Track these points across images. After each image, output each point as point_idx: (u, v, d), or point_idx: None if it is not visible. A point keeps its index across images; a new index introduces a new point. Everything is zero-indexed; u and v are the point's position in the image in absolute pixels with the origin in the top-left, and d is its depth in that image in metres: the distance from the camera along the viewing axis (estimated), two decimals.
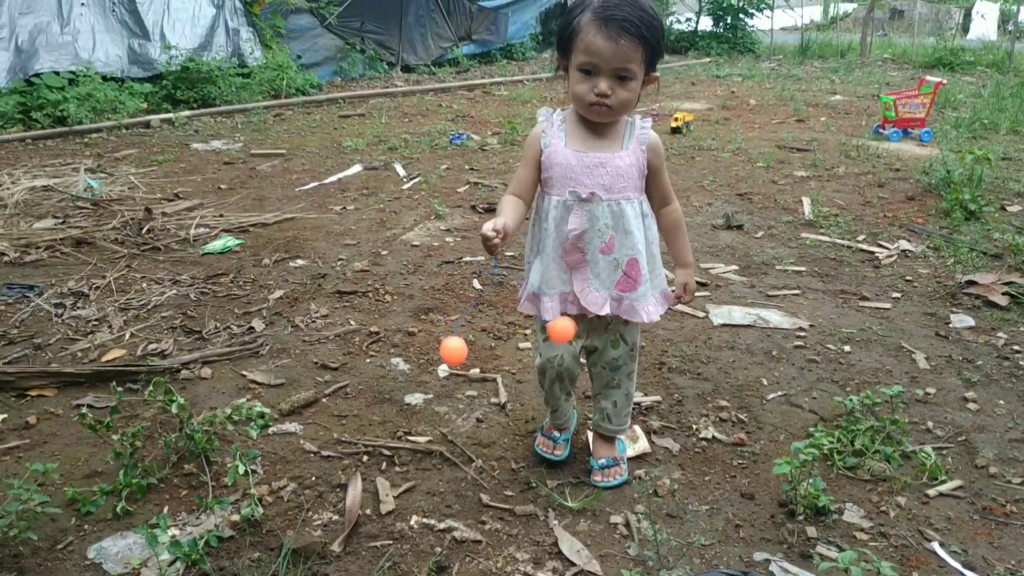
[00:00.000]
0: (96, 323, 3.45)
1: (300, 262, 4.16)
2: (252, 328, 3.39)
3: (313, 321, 3.46)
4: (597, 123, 2.03)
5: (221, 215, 4.91)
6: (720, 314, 3.56)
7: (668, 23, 16.37)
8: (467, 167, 6.21)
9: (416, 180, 5.81)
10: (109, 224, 4.65)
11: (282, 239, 4.49)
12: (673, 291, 2.24)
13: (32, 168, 5.97)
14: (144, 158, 6.44)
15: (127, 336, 3.33)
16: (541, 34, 14.82)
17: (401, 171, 6.03)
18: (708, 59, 14.08)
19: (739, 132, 7.40)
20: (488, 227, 1.86)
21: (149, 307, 3.60)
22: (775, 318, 3.53)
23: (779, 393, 2.90)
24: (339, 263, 4.13)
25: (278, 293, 3.75)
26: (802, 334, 3.37)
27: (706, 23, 16.04)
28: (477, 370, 3.05)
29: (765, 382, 2.98)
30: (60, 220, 4.78)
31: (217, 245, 4.37)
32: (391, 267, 4.09)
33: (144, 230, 4.56)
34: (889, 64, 13.17)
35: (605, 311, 2.10)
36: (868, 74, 11.75)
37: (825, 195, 5.45)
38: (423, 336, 3.34)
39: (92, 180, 5.54)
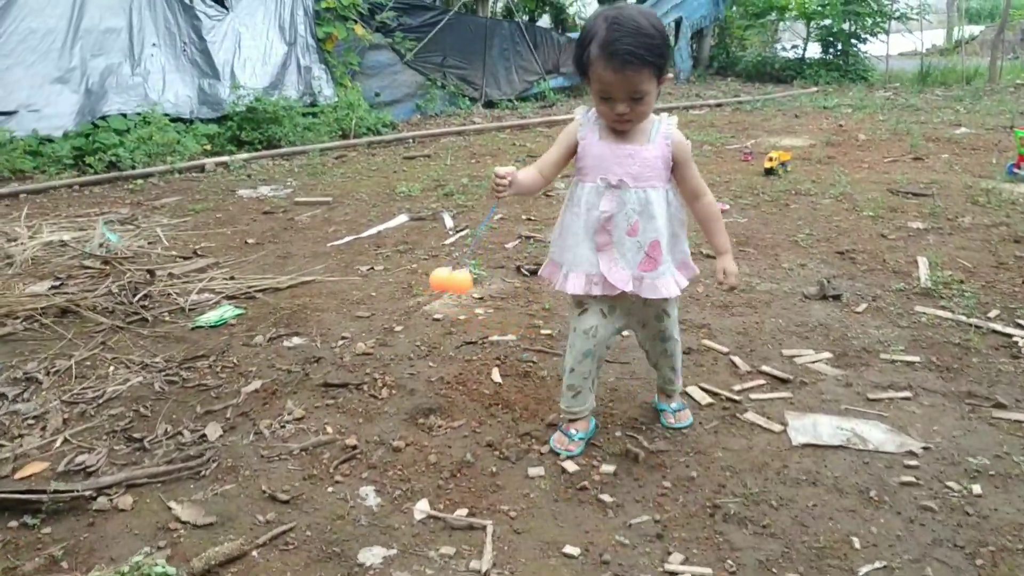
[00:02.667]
0: (33, 421, 2.88)
1: (297, 341, 3.52)
2: (205, 436, 2.74)
3: (282, 426, 2.80)
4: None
5: (232, 278, 4.34)
6: (802, 428, 2.72)
7: (774, 51, 15.37)
8: (524, 216, 5.50)
9: (462, 233, 5.13)
10: (105, 289, 4.13)
11: (288, 309, 3.87)
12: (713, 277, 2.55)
13: (62, 218, 5.59)
14: (183, 206, 5.99)
15: (59, 442, 2.74)
16: None
17: (448, 222, 5.37)
18: (816, 88, 13.02)
19: (844, 173, 6.44)
20: (502, 170, 2.29)
21: (101, 401, 3.01)
22: (877, 435, 2.67)
23: (877, 566, 2.05)
24: (341, 343, 3.47)
25: (255, 384, 3.11)
26: (913, 463, 2.51)
27: (814, 50, 14.95)
28: (464, 511, 2.31)
29: (857, 543, 2.14)
30: (59, 283, 4.29)
31: (212, 317, 3.78)
32: (400, 349, 3.40)
33: (139, 297, 4.01)
34: (1022, 91, 11.82)
35: (628, 287, 2.32)
36: (999, 103, 10.50)
37: (946, 253, 4.50)
38: (411, 453, 2.63)
39: (111, 234, 5.08)
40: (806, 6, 14.37)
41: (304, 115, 9.00)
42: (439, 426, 2.79)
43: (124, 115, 7.99)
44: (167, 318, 3.82)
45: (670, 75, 2.33)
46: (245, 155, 7.71)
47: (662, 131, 2.30)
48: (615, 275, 2.30)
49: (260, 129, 8.38)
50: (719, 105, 11.28)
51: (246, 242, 5.06)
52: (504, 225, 5.33)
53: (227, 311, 3.84)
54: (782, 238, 4.90)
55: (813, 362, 3.23)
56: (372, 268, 4.49)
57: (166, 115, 8.27)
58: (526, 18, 15.52)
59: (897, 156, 7.29)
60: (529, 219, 5.46)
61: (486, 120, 10.32)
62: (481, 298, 4.00)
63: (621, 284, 2.30)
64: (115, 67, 8.42)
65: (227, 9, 9.17)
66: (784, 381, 3.06)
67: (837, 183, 6.15)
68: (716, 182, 6.40)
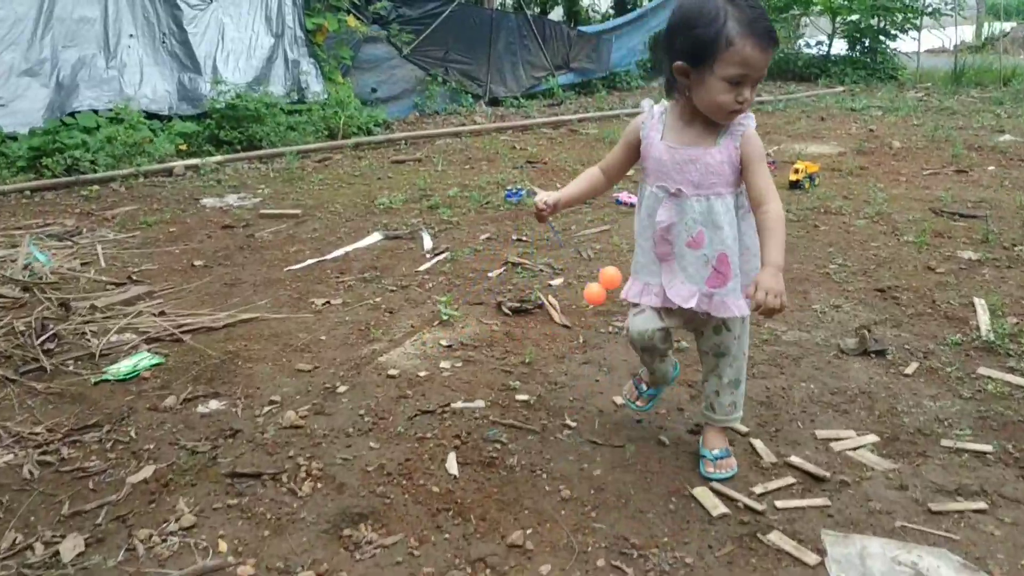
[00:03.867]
0: None
1: (214, 405, 2.86)
2: (58, 554, 2.08)
3: (164, 539, 2.14)
4: (697, 117, 2.07)
5: (162, 312, 3.67)
6: (846, 560, 2.03)
7: (797, 47, 14.57)
8: (514, 236, 4.81)
9: (441, 256, 4.45)
10: (6, 326, 3.48)
11: (216, 358, 3.21)
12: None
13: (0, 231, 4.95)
14: (136, 218, 5.35)
15: None
16: (650, 60, 13.31)
17: (427, 242, 4.70)
18: (842, 88, 12.24)
19: (879, 188, 5.71)
20: (540, 198, 2.30)
21: None
22: (947, 574, 1.96)
23: None
24: (267, 409, 2.81)
25: (146, 471, 2.46)
26: None
27: (840, 47, 14.14)
28: None
29: None
30: None
31: (123, 368, 3.13)
32: (339, 419, 2.73)
33: (44, 338, 3.36)
34: None
35: (690, 304, 2.14)
36: None
37: (1007, 293, 3.79)
38: None
39: (39, 253, 4.44)
40: (832, 1, 13.55)
41: (290, 113, 8.35)
42: (368, 542, 2.12)
43: (96, 111, 7.36)
44: (71, 367, 3.17)
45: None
46: (219, 158, 7.05)
47: (731, 130, 2.07)
48: (676, 290, 2.16)
49: (240, 128, 7.73)
50: None
51: (193, 264, 4.40)
52: (490, 246, 4.65)
53: (143, 360, 3.19)
54: (811, 269, 4.19)
55: (855, 448, 2.54)
56: (328, 302, 3.83)
57: (142, 112, 7.64)
58: (537, 10, 14.82)
59: (937, 167, 6.55)
60: (520, 239, 4.77)
61: (488, 119, 9.63)
62: (450, 346, 3.32)
63: (681, 300, 2.15)
64: (88, 59, 7.82)
65: None
66: (819, 480, 2.37)
67: (872, 200, 5.43)
68: None
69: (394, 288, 4.00)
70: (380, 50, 9.99)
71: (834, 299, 3.78)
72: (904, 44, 13.87)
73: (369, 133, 8.41)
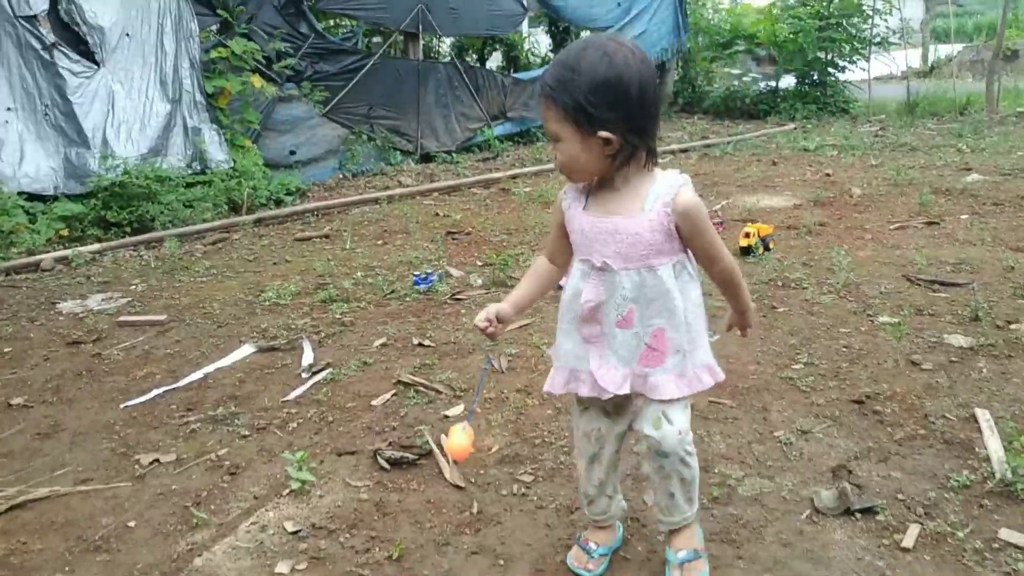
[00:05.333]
0: None
1: None
2: None
3: None
4: (613, 183, 1.88)
5: None
6: None
7: (742, 84, 14.01)
8: (416, 340, 3.98)
9: (320, 376, 3.61)
10: None
11: None
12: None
13: None
14: None
15: None
16: None
17: (307, 356, 3.85)
18: (793, 125, 11.64)
19: (843, 251, 4.95)
20: (480, 317, 2.01)
21: None
22: None
23: None
24: None
25: None
26: None
27: (788, 80, 13.61)
28: None
29: None
30: None
31: None
32: None
33: None
34: None
35: (624, 390, 1.94)
36: (1005, 138, 9.14)
37: (1014, 396, 3.05)
38: None
39: None
40: (776, 35, 13.02)
41: (190, 186, 7.49)
42: None
43: None
44: None
45: (605, 134, 1.75)
46: (95, 247, 6.16)
47: (662, 197, 1.84)
48: (604, 374, 1.95)
49: (130, 207, 6.85)
50: (684, 151, 9.86)
51: (9, 404, 3.51)
52: (384, 357, 3.81)
53: None
54: (771, 372, 3.41)
55: None
56: (157, 460, 2.96)
57: (23, 193, 6.76)
58: (475, 57, 14.15)
59: (905, 219, 5.85)
60: (423, 344, 3.94)
61: (416, 180, 8.83)
62: (298, 531, 2.46)
63: (611, 387, 1.93)
64: None
65: (97, 64, 7.66)
66: None
67: (836, 267, 4.68)
68: None
69: (247, 432, 3.14)
70: (297, 109, 9.21)
71: (801, 419, 2.99)
72: (852, 74, 13.37)
73: (279, 204, 7.58)
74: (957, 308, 4.01)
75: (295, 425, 3.18)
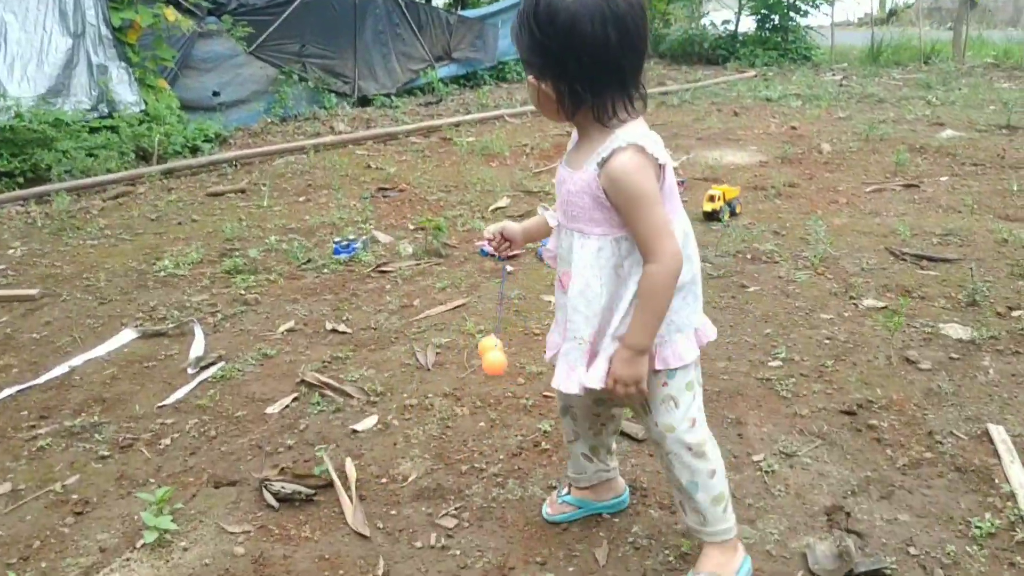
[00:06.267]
0: None
1: None
2: None
3: None
4: (584, 133, 1.62)
5: None
6: None
7: (702, 27, 13.36)
8: (330, 324, 3.38)
9: (210, 372, 3.00)
10: None
11: None
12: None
13: None
14: None
15: None
16: None
17: (198, 344, 3.24)
18: (754, 72, 11.07)
19: (817, 218, 4.43)
20: (489, 229, 1.89)
21: None
22: None
23: None
24: None
25: None
26: None
27: (748, 24, 13.00)
28: None
29: None
30: None
31: None
32: None
33: None
34: (994, 71, 10.05)
35: (547, 356, 1.86)
36: (974, 90, 8.68)
37: None
38: None
39: None
40: None
41: (95, 131, 6.70)
42: None
43: None
44: None
45: (533, 81, 1.55)
46: None
47: (601, 155, 1.54)
48: (550, 334, 1.86)
49: (23, 155, 6.06)
50: None
51: None
52: (289, 346, 3.21)
53: None
54: (744, 371, 2.89)
55: None
56: None
57: None
58: None
59: (881, 180, 5.35)
60: (337, 330, 3.34)
61: (351, 125, 8.10)
62: None
63: (549, 350, 1.85)
64: None
65: None
66: None
67: (811, 237, 4.16)
68: None
69: (108, 452, 2.53)
70: (220, 46, 8.39)
71: (783, 436, 2.47)
72: (815, 19, 12.81)
73: (195, 152, 6.82)
74: (950, 289, 3.52)
75: (168, 442, 2.58)
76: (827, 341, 3.10)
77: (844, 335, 3.14)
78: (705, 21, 13.46)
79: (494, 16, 11.06)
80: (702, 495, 1.78)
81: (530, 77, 1.57)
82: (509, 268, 3.94)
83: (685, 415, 1.74)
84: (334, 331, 3.34)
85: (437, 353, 3.11)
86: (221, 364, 3.07)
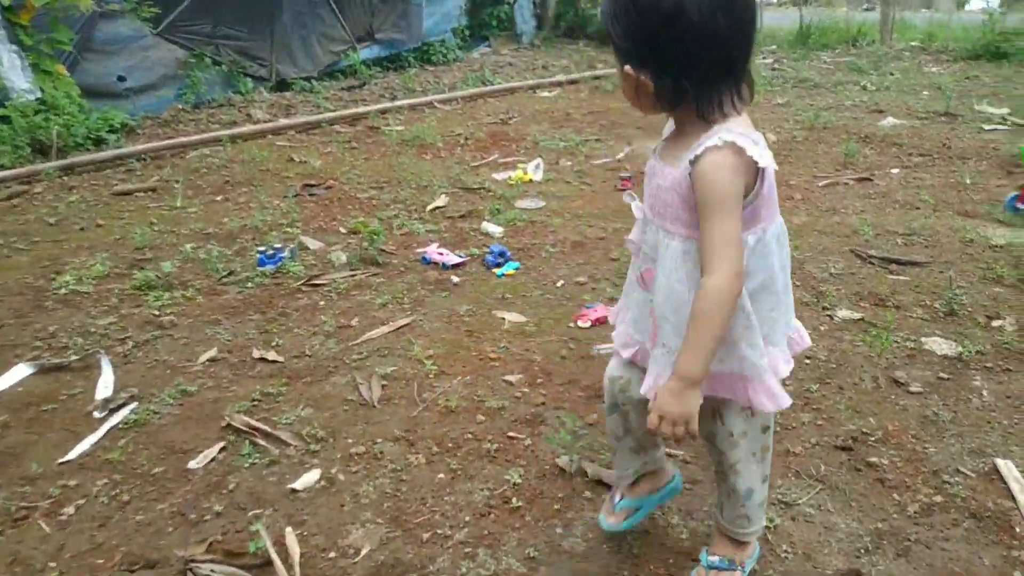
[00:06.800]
0: None
1: None
2: None
3: None
4: (681, 128, 1.52)
5: None
6: None
7: None
8: (258, 351, 3.00)
9: (122, 415, 2.59)
10: None
11: None
12: None
13: None
14: None
15: None
16: (469, 28, 11.56)
17: (106, 380, 2.82)
18: None
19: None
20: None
21: None
22: None
23: None
24: None
25: None
26: None
27: None
28: None
29: None
30: None
31: None
32: None
33: None
34: (921, 55, 10.08)
35: (626, 354, 1.72)
36: (906, 74, 8.65)
37: None
38: None
39: None
40: None
41: None
42: None
43: None
44: None
45: (629, 70, 1.42)
46: None
47: (695, 149, 1.41)
48: (618, 330, 1.76)
49: None
50: (573, 82, 8.95)
51: None
52: (212, 380, 2.82)
53: None
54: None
55: None
56: None
57: None
58: None
59: (831, 172, 5.17)
60: (265, 359, 2.96)
61: (270, 112, 7.60)
62: None
63: (619, 344, 1.74)
64: None
65: None
66: None
67: None
68: (582, 241, 4.08)
69: None
70: (125, 27, 7.76)
71: (780, 482, 2.24)
72: None
73: (99, 144, 6.26)
74: (925, 297, 3.33)
75: (72, 510, 2.18)
76: (807, 361, 2.87)
77: (824, 353, 2.91)
78: None
79: None
80: (755, 498, 1.76)
81: (627, 67, 1.43)
82: (455, 279, 3.61)
83: (749, 429, 1.67)
84: (263, 360, 2.97)
85: (383, 385, 2.76)
86: (134, 405, 2.67)
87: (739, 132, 1.39)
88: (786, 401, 1.55)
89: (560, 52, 11.39)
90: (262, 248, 3.86)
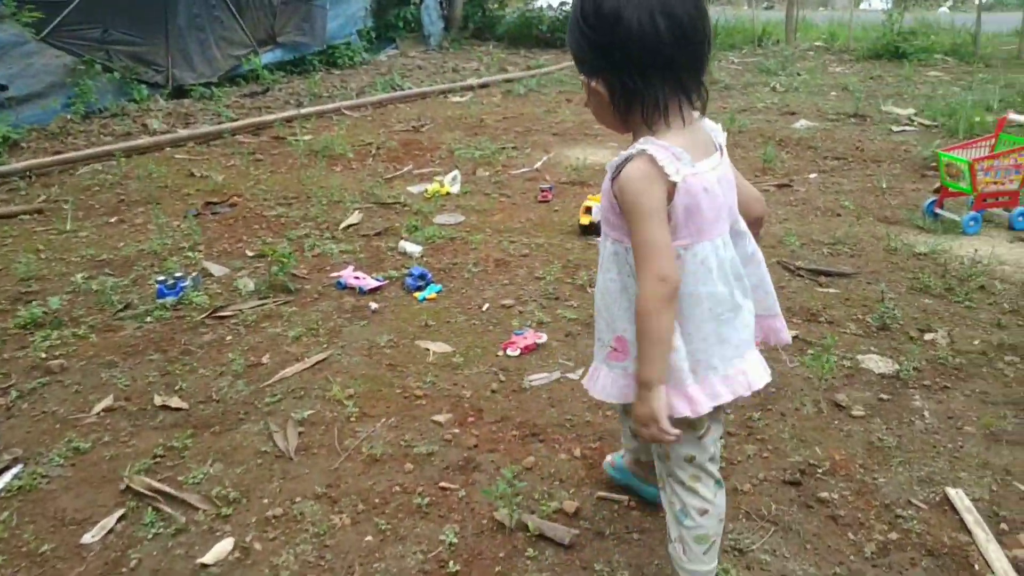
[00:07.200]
0: None
1: None
2: None
3: None
4: (634, 139, 1.52)
5: None
6: None
7: (539, 9, 13.06)
8: (160, 397, 2.76)
9: (7, 479, 2.33)
10: None
11: None
12: None
13: None
14: None
15: None
16: (375, 30, 11.27)
17: None
18: None
19: None
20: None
21: None
22: None
23: None
24: None
25: None
26: None
27: None
28: None
29: None
30: None
31: None
32: None
33: None
34: (825, 54, 10.27)
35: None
36: (812, 74, 8.77)
37: (980, 457, 2.31)
38: None
39: None
40: None
41: None
42: None
43: None
44: None
45: (594, 84, 1.48)
46: None
47: (623, 156, 1.49)
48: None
49: None
50: (484, 86, 8.79)
51: None
52: (110, 435, 2.55)
53: None
54: None
55: None
56: None
57: None
58: None
59: (752, 178, 5.11)
60: (168, 406, 2.70)
61: (167, 122, 7.20)
62: None
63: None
64: None
65: None
66: None
67: None
68: (505, 259, 3.92)
69: None
70: (5, 33, 7.25)
71: (731, 525, 2.11)
72: None
73: None
74: (856, 311, 3.29)
75: None
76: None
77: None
78: (542, 2, 13.12)
79: None
80: (679, 527, 1.70)
81: (581, 77, 1.52)
82: (374, 305, 3.40)
83: (687, 451, 1.66)
84: (165, 407, 2.70)
85: (300, 432, 2.54)
86: (18, 469, 2.39)
87: (661, 144, 1.42)
88: (702, 408, 1.54)
89: (470, 54, 11.22)
90: (161, 277, 3.56)
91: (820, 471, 2.32)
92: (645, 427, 1.51)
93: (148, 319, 3.33)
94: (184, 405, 2.71)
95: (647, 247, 1.44)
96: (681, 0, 1.39)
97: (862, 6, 20.04)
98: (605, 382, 1.64)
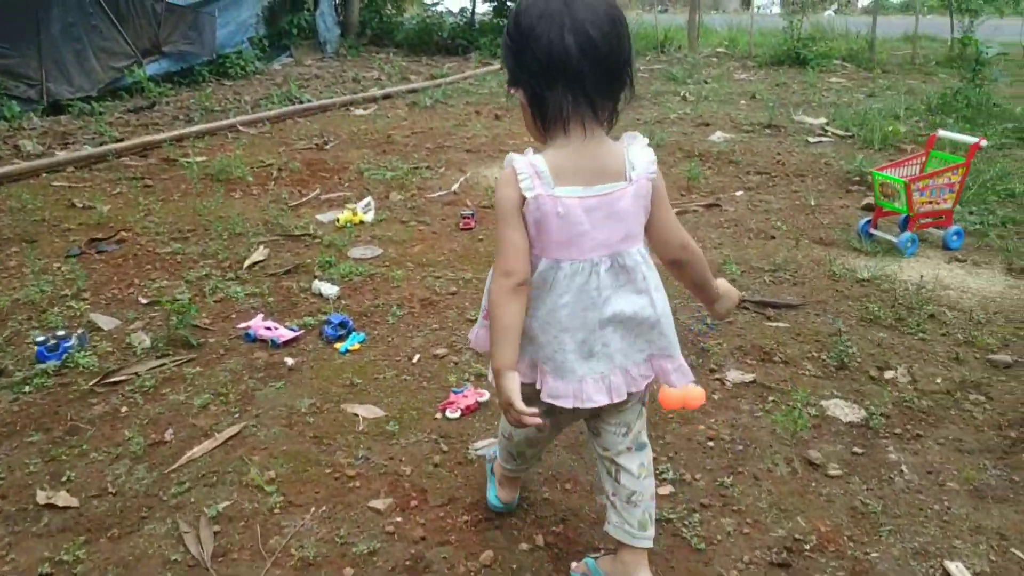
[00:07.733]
0: None
1: None
2: None
3: None
4: None
5: None
6: None
7: (438, 14, 12.71)
8: (44, 492, 2.35)
9: None
10: None
11: None
12: None
13: None
14: None
15: None
16: (267, 37, 10.74)
17: None
18: (499, 64, 10.60)
19: None
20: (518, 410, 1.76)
21: None
22: None
23: None
24: None
25: None
26: None
27: (485, 10, 12.51)
28: None
29: None
30: None
31: None
32: None
33: None
34: (729, 61, 10.29)
35: None
36: (719, 82, 8.74)
37: (972, 520, 2.14)
38: None
39: None
40: None
41: None
42: None
43: None
44: None
45: (514, 92, 1.60)
46: None
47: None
48: None
49: None
50: (387, 96, 8.43)
51: None
52: None
53: None
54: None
55: None
56: None
57: None
58: None
59: (678, 198, 4.96)
60: (54, 503, 2.30)
61: (42, 142, 6.58)
62: None
63: None
64: None
65: None
66: None
67: None
68: (432, 299, 3.61)
69: None
70: None
71: None
72: None
73: None
74: (810, 348, 3.12)
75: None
76: (711, 444, 2.55)
77: (727, 431, 2.60)
78: (441, 8, 12.79)
79: (209, 3, 9.69)
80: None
81: (509, 88, 1.60)
82: (289, 361, 3.04)
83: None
84: (51, 506, 2.29)
85: (216, 532, 2.18)
86: None
87: (528, 161, 1.54)
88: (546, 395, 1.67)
89: (369, 62, 10.82)
90: (41, 337, 3.11)
91: (807, 547, 2.11)
92: (506, 412, 1.62)
93: (26, 389, 2.89)
94: (74, 502, 2.30)
95: (499, 244, 1.60)
96: (593, 18, 1.46)
97: (758, 11, 20.40)
98: (481, 334, 1.81)
